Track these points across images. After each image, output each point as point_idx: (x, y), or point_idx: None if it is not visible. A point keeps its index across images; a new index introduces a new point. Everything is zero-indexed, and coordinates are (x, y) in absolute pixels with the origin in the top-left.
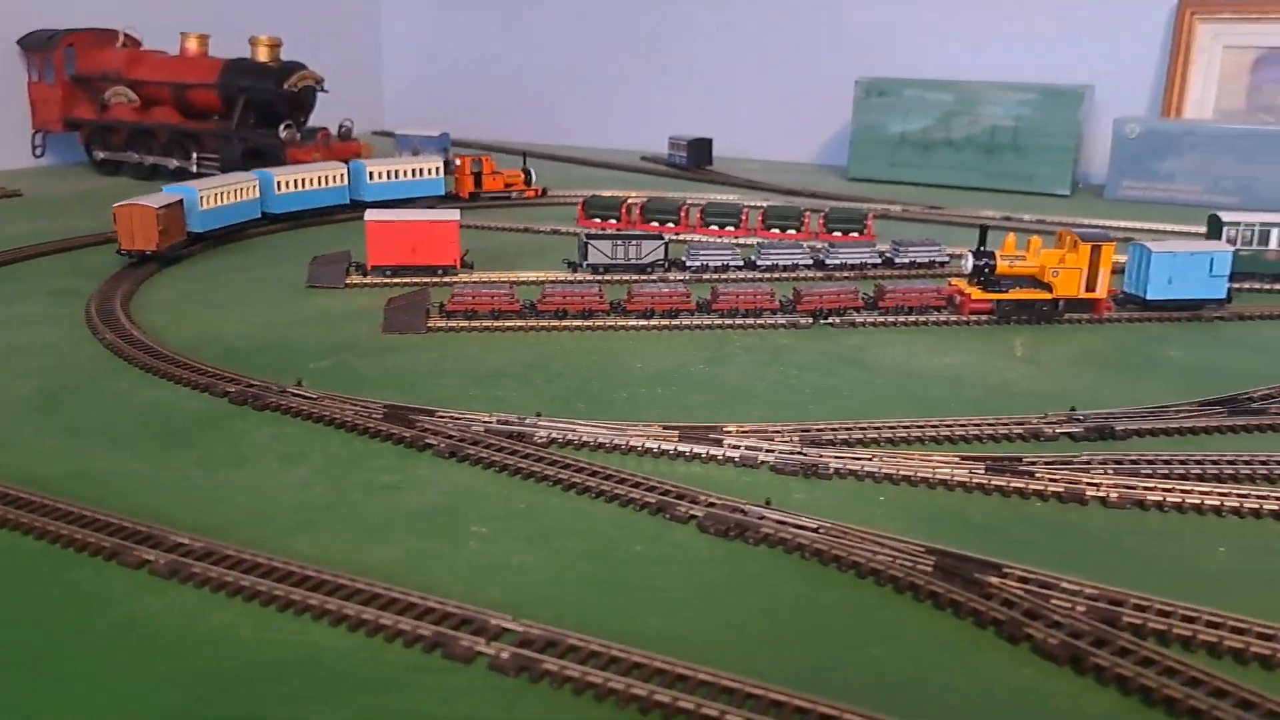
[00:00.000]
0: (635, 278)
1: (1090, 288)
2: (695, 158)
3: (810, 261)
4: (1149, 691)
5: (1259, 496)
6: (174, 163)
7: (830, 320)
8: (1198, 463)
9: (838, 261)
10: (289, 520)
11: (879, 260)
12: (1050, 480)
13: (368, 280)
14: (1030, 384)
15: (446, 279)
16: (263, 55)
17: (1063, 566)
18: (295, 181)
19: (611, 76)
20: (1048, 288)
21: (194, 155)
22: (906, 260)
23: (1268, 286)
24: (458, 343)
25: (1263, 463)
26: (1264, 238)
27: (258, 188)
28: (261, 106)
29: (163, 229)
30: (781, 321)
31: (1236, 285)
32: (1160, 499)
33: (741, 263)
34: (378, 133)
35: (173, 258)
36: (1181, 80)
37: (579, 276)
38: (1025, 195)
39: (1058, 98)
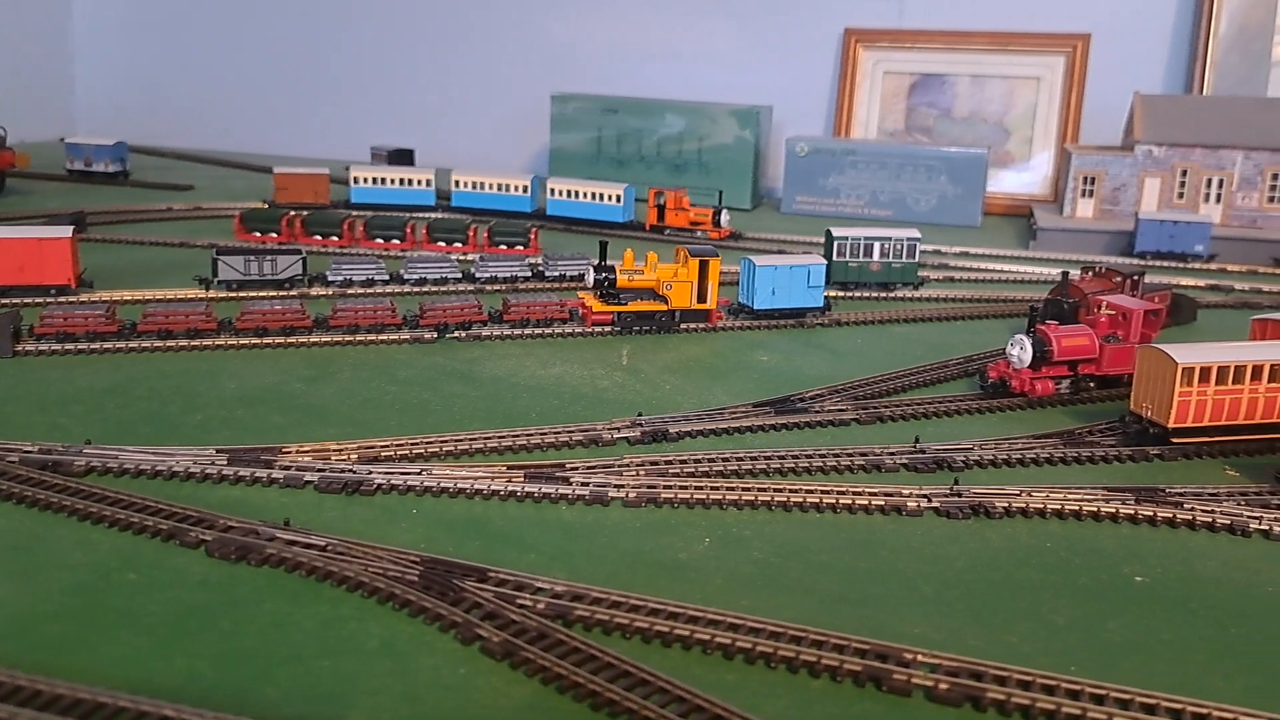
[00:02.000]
0: (270, 294)
1: (701, 299)
2: None
3: (461, 275)
4: (561, 679)
5: (760, 489)
6: None
7: (456, 334)
8: (724, 460)
9: (487, 275)
10: None
11: (529, 273)
12: (580, 485)
13: None
14: (622, 392)
15: (61, 299)
16: None
17: (556, 565)
18: (474, 183)
19: (315, 85)
20: (664, 300)
21: None
22: (556, 273)
23: (872, 294)
24: (43, 367)
25: (780, 458)
26: (869, 250)
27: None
28: None
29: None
30: (405, 336)
31: (848, 294)
32: (672, 495)
33: (389, 277)
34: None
35: None
36: (850, 102)
37: (197, 294)
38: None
39: (737, 117)
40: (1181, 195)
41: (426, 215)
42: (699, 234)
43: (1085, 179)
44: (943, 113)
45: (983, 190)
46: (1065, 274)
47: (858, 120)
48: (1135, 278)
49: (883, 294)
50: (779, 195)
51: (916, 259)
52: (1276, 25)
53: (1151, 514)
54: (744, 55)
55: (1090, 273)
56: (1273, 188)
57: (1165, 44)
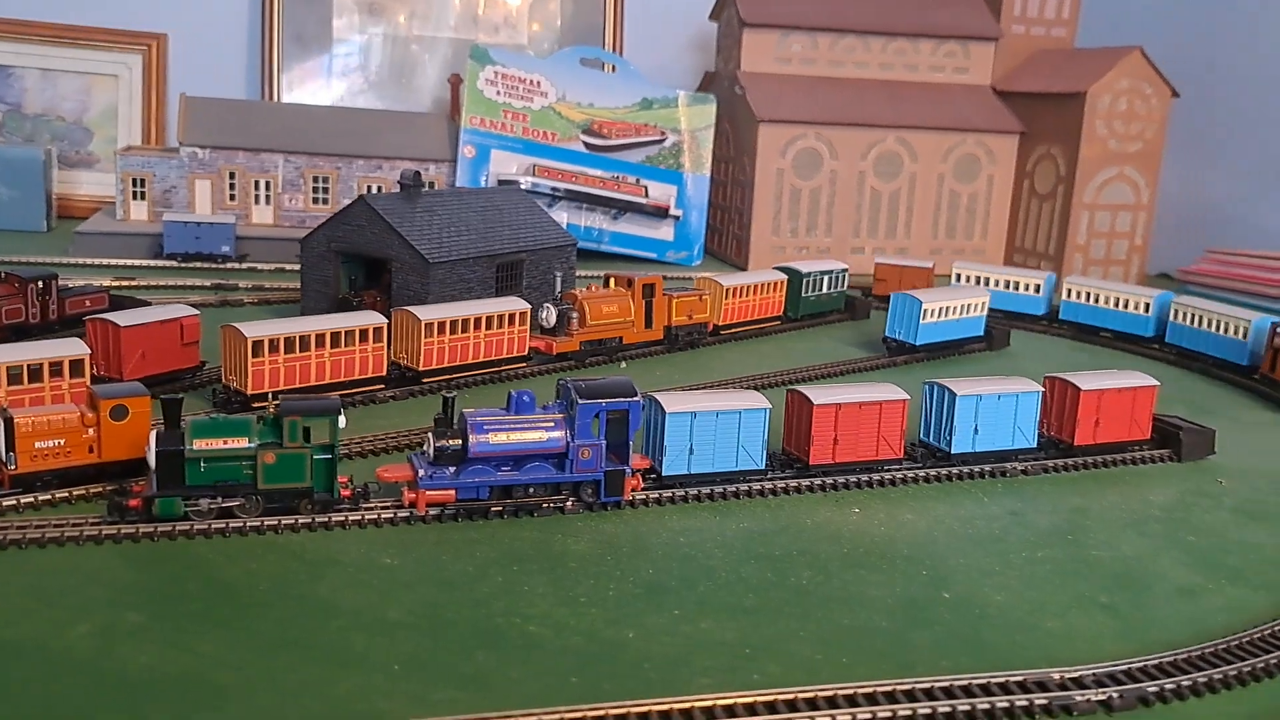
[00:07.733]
0: None
1: None
2: None
3: None
4: None
5: None
6: None
7: None
8: None
9: None
10: None
11: None
12: None
13: None
14: None
15: None
16: None
17: None
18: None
19: None
20: None
21: None
22: None
23: None
24: None
25: None
26: None
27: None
28: None
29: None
30: None
31: None
32: None
33: None
34: None
35: None
36: None
37: None
38: None
39: None
40: (234, 197)
41: None
42: None
43: (135, 181)
44: (11, 108)
45: (45, 192)
46: None
47: None
48: (43, 281)
49: None
50: None
51: None
52: (333, 37)
53: None
54: None
55: None
56: (314, 190)
57: (243, 49)
